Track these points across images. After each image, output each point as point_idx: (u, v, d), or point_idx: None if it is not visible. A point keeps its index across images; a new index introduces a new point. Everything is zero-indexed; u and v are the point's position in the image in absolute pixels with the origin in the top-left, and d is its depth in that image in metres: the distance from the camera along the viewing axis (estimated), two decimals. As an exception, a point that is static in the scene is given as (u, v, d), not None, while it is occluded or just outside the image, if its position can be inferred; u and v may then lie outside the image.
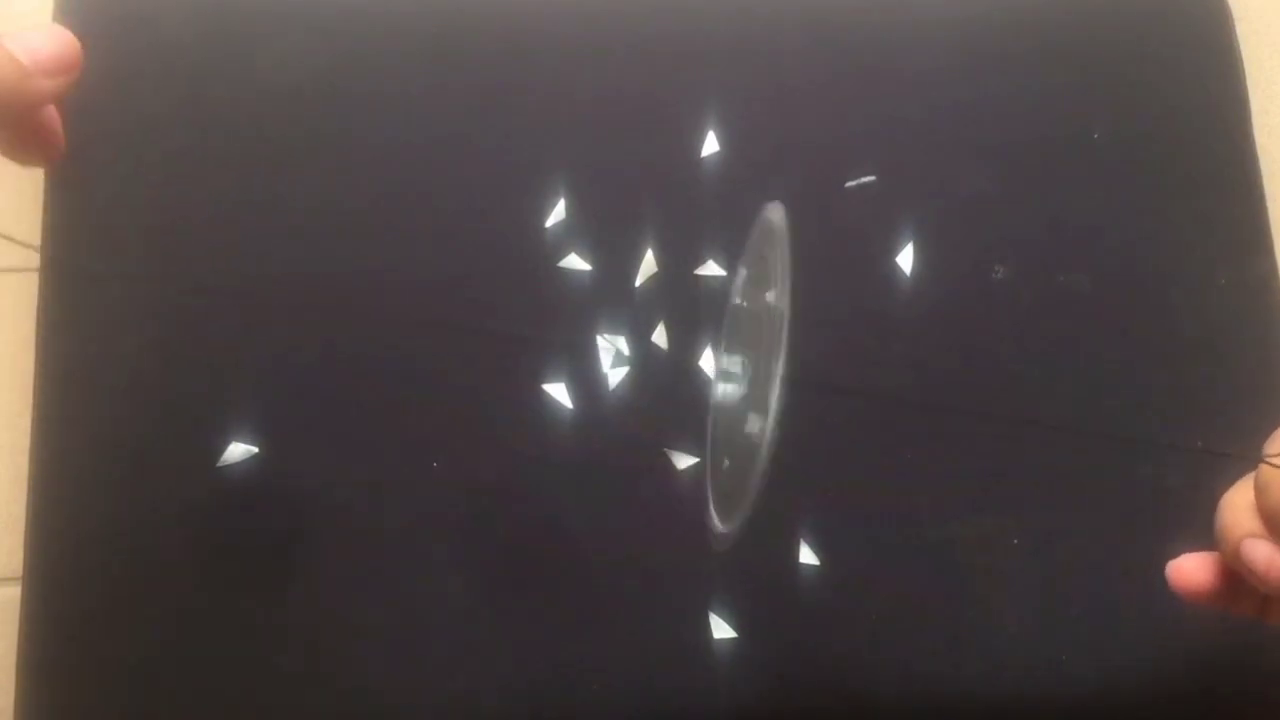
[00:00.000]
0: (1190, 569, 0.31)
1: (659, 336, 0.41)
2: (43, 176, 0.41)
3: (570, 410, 0.40)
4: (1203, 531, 0.30)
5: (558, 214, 0.42)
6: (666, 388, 0.40)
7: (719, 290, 0.41)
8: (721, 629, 0.38)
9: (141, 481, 0.38)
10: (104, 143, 0.41)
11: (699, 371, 0.40)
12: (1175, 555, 0.31)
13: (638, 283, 0.41)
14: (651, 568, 0.39)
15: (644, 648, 0.38)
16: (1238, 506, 0.29)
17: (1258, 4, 0.47)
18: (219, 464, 0.38)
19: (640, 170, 0.42)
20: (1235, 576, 0.29)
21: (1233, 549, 0.28)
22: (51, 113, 0.30)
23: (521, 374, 0.40)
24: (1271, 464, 0.27)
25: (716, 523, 0.32)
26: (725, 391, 0.30)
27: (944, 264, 0.42)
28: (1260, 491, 0.28)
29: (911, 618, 0.39)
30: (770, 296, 0.28)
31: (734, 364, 0.30)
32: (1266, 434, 0.28)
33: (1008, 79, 0.45)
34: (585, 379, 0.40)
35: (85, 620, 0.37)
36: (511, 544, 0.39)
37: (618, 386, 0.40)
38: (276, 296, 0.40)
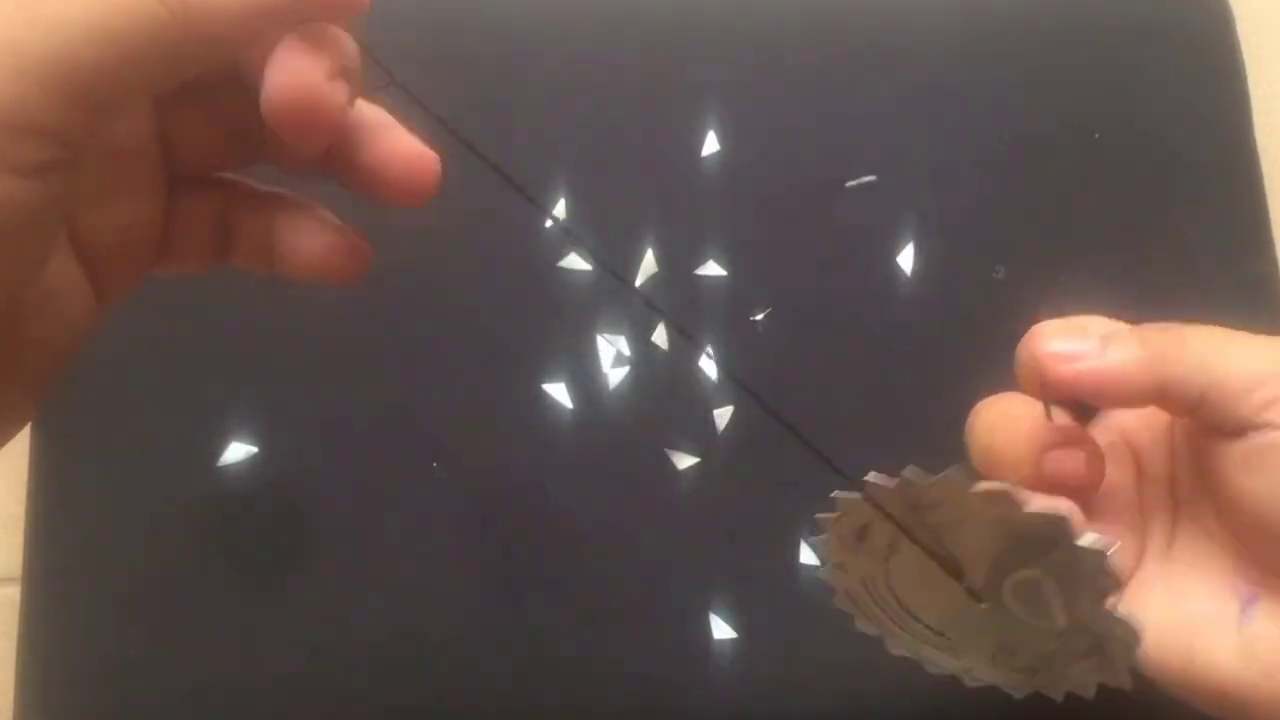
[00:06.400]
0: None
1: (659, 336, 0.41)
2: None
3: (570, 410, 0.40)
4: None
5: (558, 214, 0.42)
6: (666, 388, 0.40)
7: (719, 290, 0.41)
8: (721, 629, 0.38)
9: (141, 481, 0.38)
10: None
11: (699, 371, 0.41)
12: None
13: (638, 283, 0.41)
14: (651, 568, 0.39)
15: (644, 648, 0.38)
16: (1003, 426, 0.29)
17: (1258, 4, 0.47)
18: (219, 464, 0.38)
19: (640, 170, 0.42)
20: None
21: (1033, 472, 0.28)
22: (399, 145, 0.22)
23: (521, 374, 0.40)
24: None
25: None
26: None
27: (944, 264, 0.42)
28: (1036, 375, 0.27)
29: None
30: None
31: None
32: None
33: (1008, 79, 0.45)
34: (585, 379, 0.40)
35: (85, 620, 0.37)
36: (511, 544, 0.39)
37: (618, 386, 0.40)
38: (276, 296, 0.40)
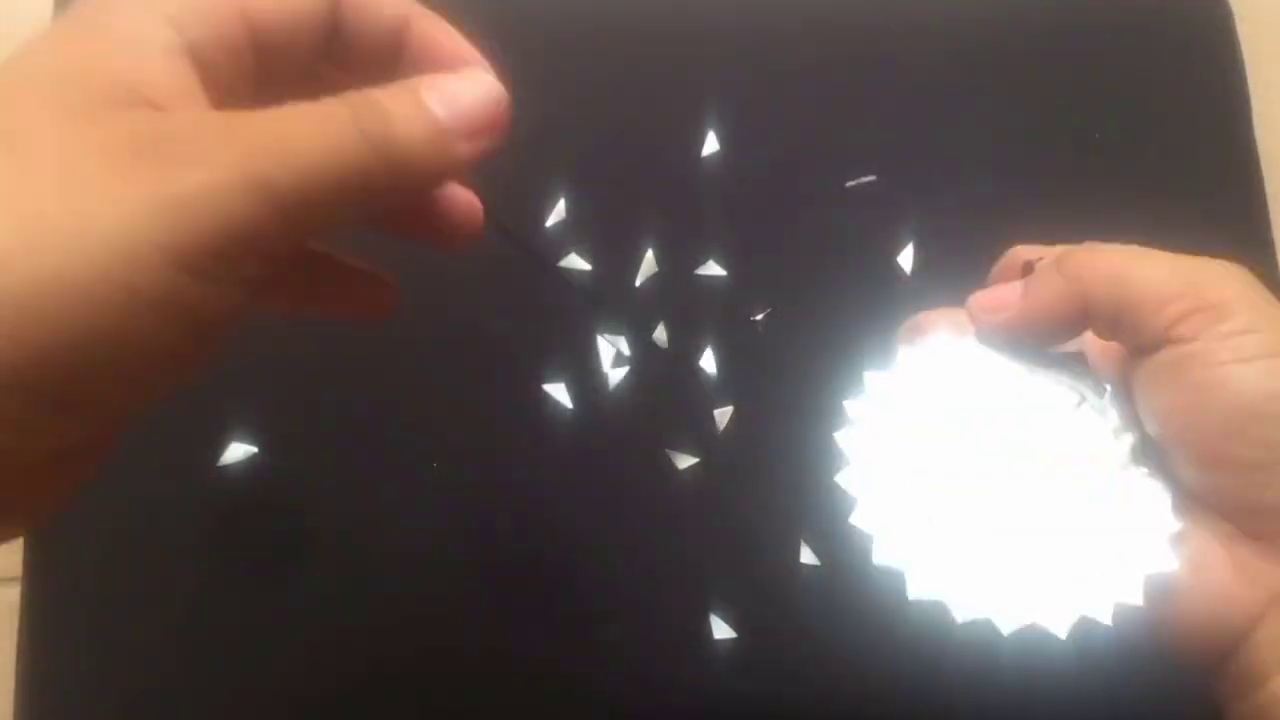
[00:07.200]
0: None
1: (659, 336, 0.41)
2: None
3: (570, 410, 0.40)
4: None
5: (558, 214, 0.42)
6: (666, 388, 0.40)
7: (719, 290, 0.41)
8: (721, 629, 0.38)
9: (141, 481, 0.38)
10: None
11: (699, 371, 0.40)
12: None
13: (638, 283, 0.41)
14: (651, 568, 0.39)
15: (644, 648, 0.38)
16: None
17: (1258, 4, 0.47)
18: (219, 464, 0.38)
19: (640, 170, 0.42)
20: None
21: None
22: (456, 195, 0.25)
23: (521, 374, 0.40)
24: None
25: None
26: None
27: (944, 264, 0.42)
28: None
29: (912, 618, 0.39)
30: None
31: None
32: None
33: (1008, 79, 0.45)
34: (585, 379, 0.40)
35: (85, 620, 0.37)
36: (511, 543, 0.39)
37: (618, 386, 0.40)
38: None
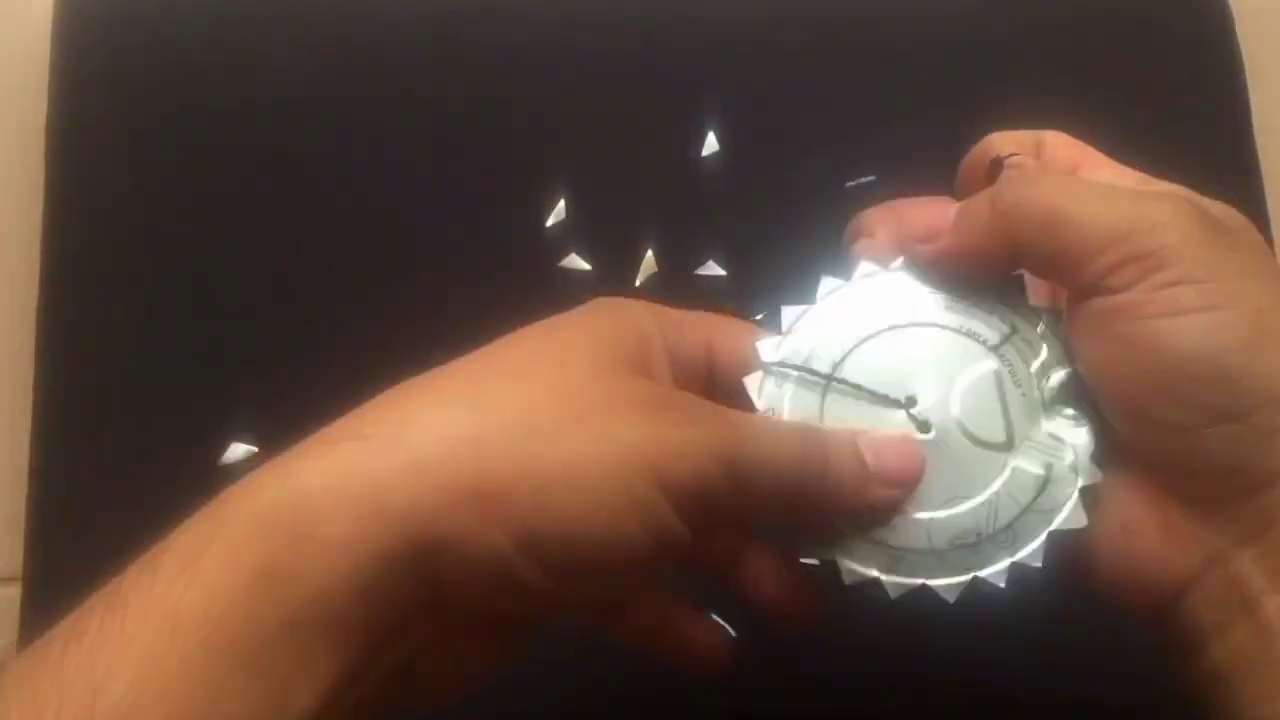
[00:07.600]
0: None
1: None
2: (43, 178, 0.41)
3: (570, 410, 0.40)
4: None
5: (558, 214, 0.42)
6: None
7: (719, 290, 0.41)
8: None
9: (141, 481, 0.38)
10: (103, 144, 0.41)
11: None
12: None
13: (638, 283, 0.41)
14: (651, 568, 0.39)
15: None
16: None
17: (1258, 4, 0.47)
18: (220, 464, 0.38)
19: (640, 170, 0.42)
20: None
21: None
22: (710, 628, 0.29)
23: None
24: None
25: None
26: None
27: (944, 264, 0.42)
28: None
29: (912, 616, 0.39)
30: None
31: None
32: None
33: (1007, 79, 0.45)
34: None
35: (85, 620, 0.37)
36: (511, 544, 0.39)
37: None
38: (276, 296, 0.40)
